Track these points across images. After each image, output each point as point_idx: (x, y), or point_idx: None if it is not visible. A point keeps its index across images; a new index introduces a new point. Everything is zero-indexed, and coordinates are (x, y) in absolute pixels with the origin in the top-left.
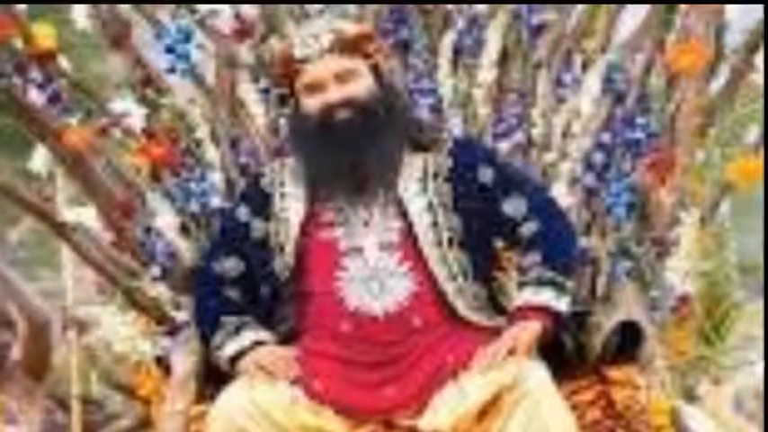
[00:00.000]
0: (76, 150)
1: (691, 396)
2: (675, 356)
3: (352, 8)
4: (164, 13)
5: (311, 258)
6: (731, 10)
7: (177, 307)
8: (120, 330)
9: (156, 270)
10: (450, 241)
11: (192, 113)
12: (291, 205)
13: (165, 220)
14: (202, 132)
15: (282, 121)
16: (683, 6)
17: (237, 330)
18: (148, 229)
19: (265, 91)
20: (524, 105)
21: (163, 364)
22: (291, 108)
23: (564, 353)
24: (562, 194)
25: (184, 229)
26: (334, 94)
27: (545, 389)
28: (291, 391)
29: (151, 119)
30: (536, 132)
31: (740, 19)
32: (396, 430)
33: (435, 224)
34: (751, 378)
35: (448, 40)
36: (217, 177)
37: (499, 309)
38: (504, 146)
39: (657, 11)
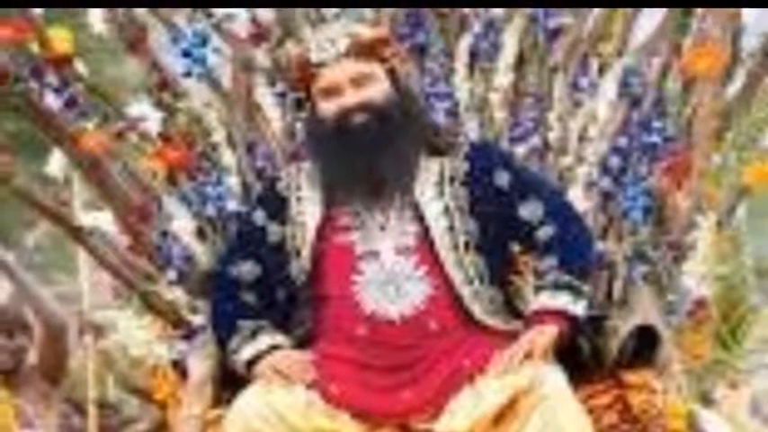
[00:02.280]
0: (93, 154)
1: (707, 400)
2: (692, 360)
3: (368, 12)
4: (180, 16)
5: (327, 262)
6: (748, 13)
7: (193, 311)
8: (136, 334)
9: (172, 274)
10: (467, 245)
11: (209, 117)
12: (308, 209)
13: (182, 223)
14: (219, 136)
15: (299, 125)
16: (699, 10)
17: (254, 334)
18: (165, 233)
19: (282, 95)
20: (541, 109)
21: (179, 367)
22: (308, 112)
23: (580, 357)
24: (578, 198)
25: (201, 233)
26: (351, 98)
27: (561, 393)
28: (307, 395)
29: (167, 123)
30: (552, 136)
31: (757, 22)
32: None
33: (452, 228)
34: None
35: (464, 43)
36: (233, 181)
37: (515, 313)
38: (520, 150)
39: (674, 14)
